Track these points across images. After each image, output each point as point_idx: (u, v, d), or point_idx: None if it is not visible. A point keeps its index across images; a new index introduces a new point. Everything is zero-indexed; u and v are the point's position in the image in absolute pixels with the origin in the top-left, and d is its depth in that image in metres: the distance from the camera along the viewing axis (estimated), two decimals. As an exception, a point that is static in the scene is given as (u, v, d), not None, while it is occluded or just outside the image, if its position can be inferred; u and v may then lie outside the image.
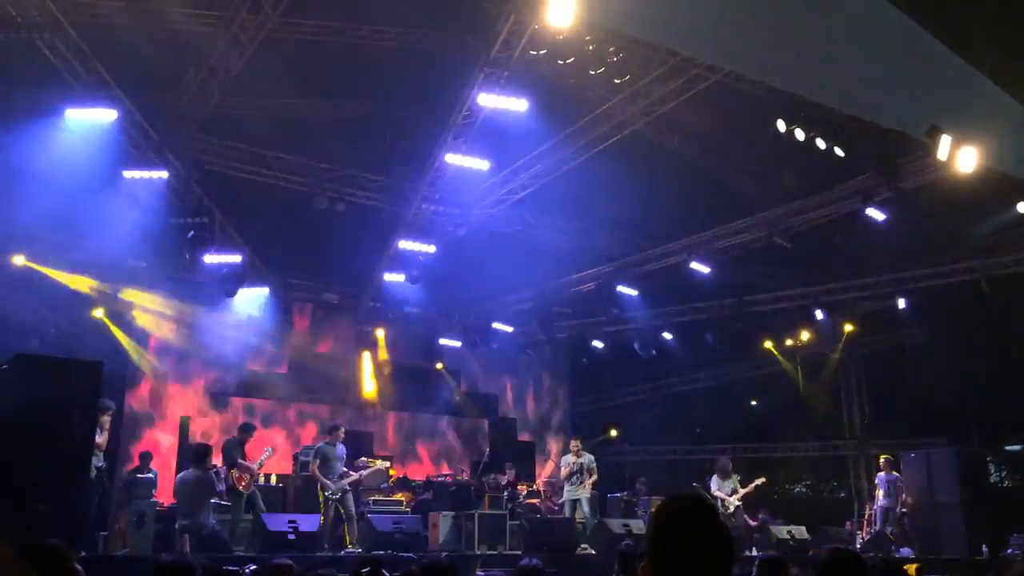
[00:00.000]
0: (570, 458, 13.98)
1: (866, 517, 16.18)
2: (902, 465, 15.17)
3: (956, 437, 17.16)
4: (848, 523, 17.20)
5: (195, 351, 16.47)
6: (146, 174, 11.98)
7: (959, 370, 17.39)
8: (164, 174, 12.12)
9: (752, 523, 14.72)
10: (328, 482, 11.58)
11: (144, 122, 11.68)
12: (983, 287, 14.44)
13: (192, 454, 13.81)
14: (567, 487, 13.89)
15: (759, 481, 14.19)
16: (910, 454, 15.38)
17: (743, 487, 14.05)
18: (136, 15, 11.06)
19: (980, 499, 14.37)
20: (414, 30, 12.81)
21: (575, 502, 13.71)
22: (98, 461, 10.74)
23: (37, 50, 9.96)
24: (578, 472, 13.76)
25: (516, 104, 11.33)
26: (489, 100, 11.23)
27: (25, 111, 11.67)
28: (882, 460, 15.47)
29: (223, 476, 11.18)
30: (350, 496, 11.90)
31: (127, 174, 11.88)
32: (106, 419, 11.38)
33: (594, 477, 13.84)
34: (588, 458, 13.95)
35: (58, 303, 14.32)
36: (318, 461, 11.83)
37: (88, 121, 10.98)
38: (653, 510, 3.10)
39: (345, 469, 12.24)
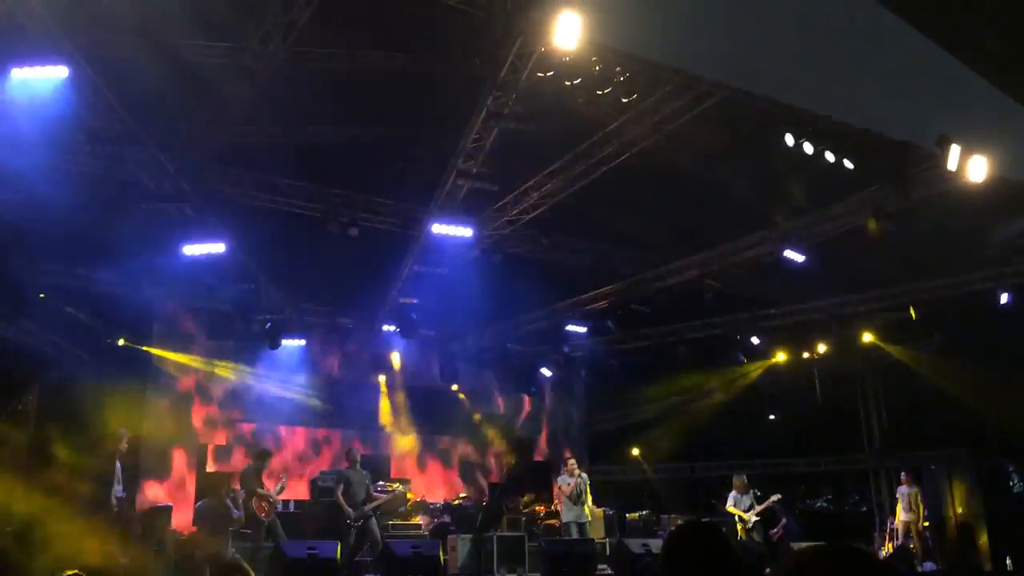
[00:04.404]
0: (568, 478, 13.90)
1: (888, 531, 16.04)
2: (923, 477, 15.05)
3: (976, 448, 16.99)
4: (877, 538, 17.03)
5: (210, 379, 16.59)
6: (162, 205, 12.11)
7: (978, 381, 17.24)
8: (180, 204, 12.24)
9: (773, 532, 14.52)
10: (349, 509, 11.58)
11: (159, 154, 11.81)
12: (999, 296, 14.36)
13: (208, 483, 13.91)
14: (572, 508, 13.72)
15: (775, 498, 14.12)
16: (930, 466, 15.26)
17: (760, 503, 13.97)
18: (148, 49, 11.21)
19: (1002, 510, 14.23)
20: (423, 55, 12.92)
21: (581, 525, 13.61)
22: (118, 491, 10.81)
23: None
24: (580, 492, 13.73)
25: (525, 125, 11.40)
26: (498, 122, 11.30)
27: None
28: (902, 474, 15.36)
29: (240, 503, 11.22)
30: (374, 522, 11.85)
31: (143, 205, 12.02)
32: (123, 446, 11.47)
33: (590, 496, 13.87)
34: (584, 476, 14.00)
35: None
36: (341, 487, 11.83)
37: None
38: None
39: (376, 494, 12.25)
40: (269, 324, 15.16)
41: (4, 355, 12.88)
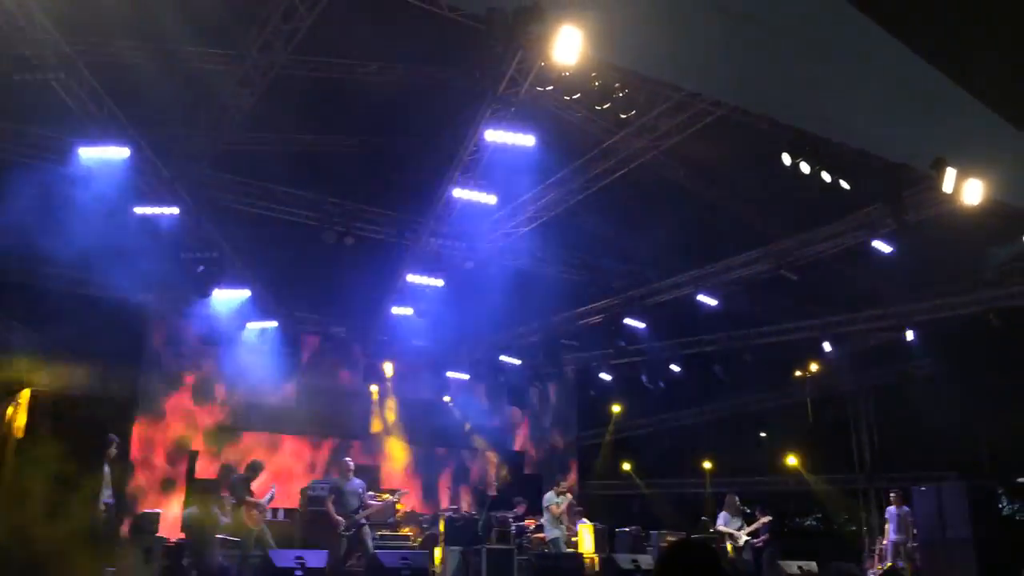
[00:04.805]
0: (554, 496, 14.05)
1: (877, 552, 16.02)
2: (912, 499, 15.04)
3: (967, 470, 17.00)
4: (868, 560, 17.00)
5: (203, 384, 16.53)
6: (158, 210, 12.10)
7: (969, 403, 17.27)
8: (175, 210, 12.23)
9: (757, 541, 14.38)
10: (339, 518, 11.50)
11: (156, 159, 11.80)
12: (992, 319, 14.40)
13: (196, 490, 13.84)
14: (558, 526, 13.86)
15: (766, 519, 14.07)
16: (920, 488, 15.25)
17: (750, 523, 13.96)
18: (148, 54, 11.23)
19: (992, 534, 14.20)
20: (422, 67, 12.96)
21: (567, 540, 13.83)
22: (106, 497, 10.72)
23: (51, 89, 10.10)
24: (566, 510, 14.00)
25: (523, 139, 11.43)
26: (496, 136, 11.33)
27: (39, 149, 11.84)
28: (892, 494, 15.35)
29: (228, 510, 11.15)
30: (366, 530, 11.78)
31: (139, 210, 12.00)
32: (112, 451, 11.39)
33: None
34: (570, 498, 14.28)
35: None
36: (332, 496, 11.77)
37: (101, 159, 11.11)
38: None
39: (369, 502, 12.20)
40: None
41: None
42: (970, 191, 9.67)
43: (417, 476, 18.97)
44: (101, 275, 14.61)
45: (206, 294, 13.64)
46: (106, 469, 11.07)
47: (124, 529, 12.79)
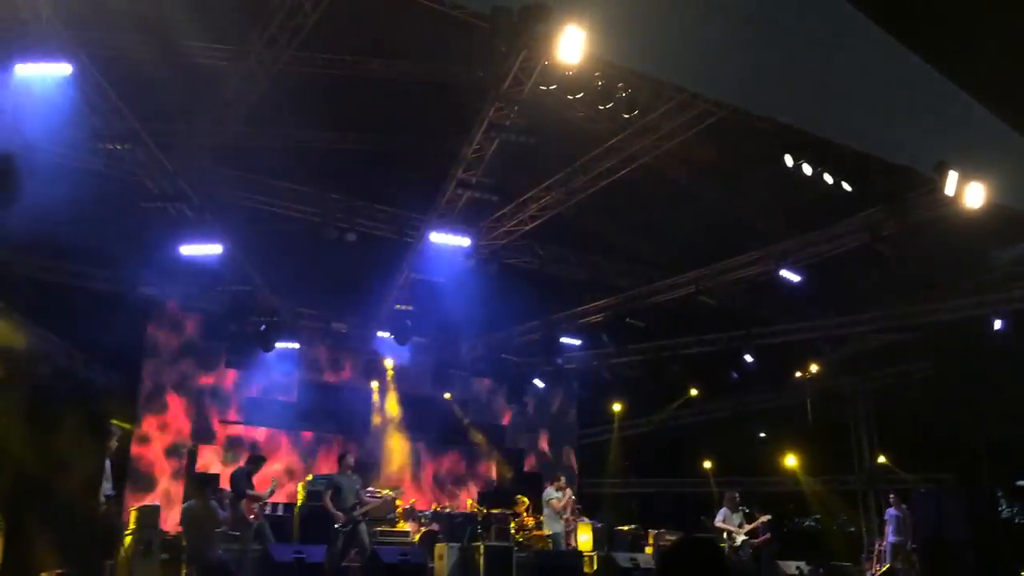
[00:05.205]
0: (555, 492, 14.15)
1: (876, 553, 16.05)
2: (911, 501, 15.07)
3: (966, 472, 17.05)
4: (867, 561, 17.02)
5: (203, 379, 16.57)
6: (161, 204, 12.11)
7: (969, 405, 17.30)
8: (178, 204, 12.24)
9: (756, 540, 14.36)
10: (339, 514, 11.51)
11: (160, 154, 11.83)
12: (992, 322, 14.41)
13: (195, 484, 13.88)
14: (558, 521, 14.07)
15: (765, 518, 14.08)
16: (919, 490, 15.28)
17: (750, 522, 13.97)
18: (153, 49, 11.25)
19: (990, 536, 14.24)
20: (425, 64, 12.98)
21: (568, 533, 13.97)
22: (107, 490, 10.76)
23: (55, 82, 10.11)
24: (567, 505, 14.18)
25: (526, 138, 11.45)
26: (499, 133, 11.35)
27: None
28: (891, 496, 15.38)
29: (227, 504, 11.18)
30: (363, 527, 11.78)
31: (142, 204, 12.02)
32: (113, 444, 11.43)
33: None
34: (570, 493, 14.51)
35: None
36: (330, 492, 11.77)
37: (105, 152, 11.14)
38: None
39: (366, 499, 12.23)
40: (263, 327, 15.14)
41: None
42: (972, 194, 9.71)
43: (417, 472, 19.00)
44: (104, 268, 14.70)
45: (208, 289, 13.70)
46: (107, 462, 11.11)
47: (124, 522, 12.82)
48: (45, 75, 9.46)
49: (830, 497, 21.43)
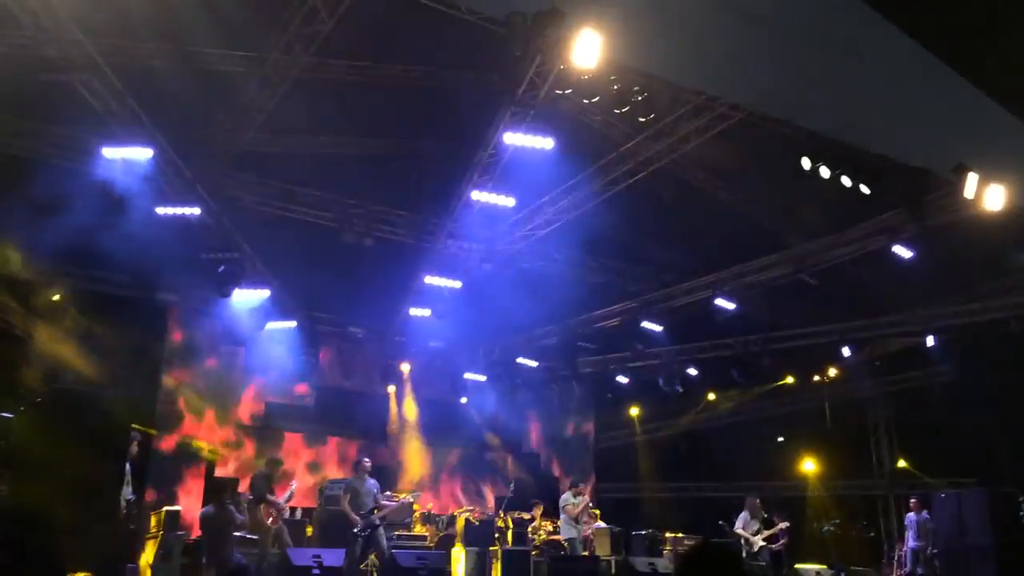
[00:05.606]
0: (571, 496, 14.15)
1: (896, 558, 15.92)
2: (932, 506, 14.92)
3: (987, 477, 16.86)
4: (887, 567, 16.88)
5: (222, 384, 16.66)
6: (179, 210, 12.21)
7: (990, 409, 17.12)
8: (197, 210, 12.34)
9: (775, 546, 14.24)
10: (356, 518, 11.52)
11: (178, 160, 11.91)
12: (1013, 325, 14.27)
13: (211, 488, 13.95)
14: (574, 527, 14.06)
15: (783, 525, 13.98)
16: (940, 495, 15.13)
17: (769, 528, 13.87)
18: (171, 56, 11.34)
19: (1012, 541, 14.07)
20: (442, 69, 13.01)
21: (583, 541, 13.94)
22: (127, 493, 10.85)
23: (75, 90, 10.22)
24: (582, 511, 14.24)
25: (542, 142, 11.46)
26: (515, 138, 11.37)
27: (62, 149, 11.99)
28: (912, 501, 15.25)
29: (244, 508, 11.22)
30: (380, 532, 11.78)
31: (161, 210, 12.11)
32: (133, 449, 11.53)
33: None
34: (587, 499, 14.66)
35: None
36: (348, 496, 11.79)
37: (124, 159, 11.22)
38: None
39: (384, 503, 12.24)
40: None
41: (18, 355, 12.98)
42: (992, 196, 9.61)
43: (434, 477, 19.02)
44: (124, 274, 14.80)
45: (226, 294, 13.74)
46: (127, 466, 11.20)
47: (145, 526, 12.90)
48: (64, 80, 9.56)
49: (850, 502, 21.28)
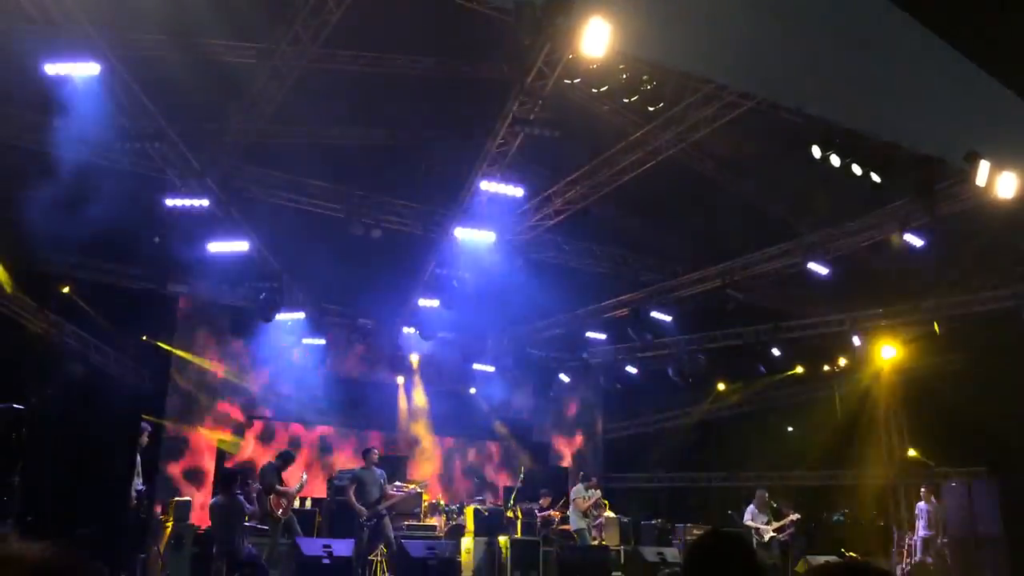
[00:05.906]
0: (582, 488, 14.19)
1: (906, 547, 15.89)
2: (942, 495, 14.88)
3: (998, 466, 16.79)
4: (897, 556, 16.83)
5: (231, 375, 16.72)
6: (188, 202, 12.22)
7: (1000, 398, 17.03)
8: (205, 202, 12.35)
9: (784, 536, 14.25)
10: (362, 508, 11.57)
11: (187, 151, 11.92)
12: (1024, 315, 14.19)
13: (220, 479, 14.03)
14: (583, 518, 14.16)
15: (794, 516, 13.97)
16: (951, 484, 15.09)
17: (778, 519, 13.86)
18: (180, 48, 11.34)
19: (1023, 530, 14.04)
20: (449, 60, 12.98)
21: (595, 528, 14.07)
22: (138, 484, 10.90)
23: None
24: (593, 504, 14.30)
25: (550, 131, 11.42)
26: (523, 128, 11.33)
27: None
28: (922, 489, 15.21)
29: (254, 499, 11.28)
30: (387, 522, 11.82)
31: (170, 202, 12.13)
32: (144, 440, 11.58)
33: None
34: (599, 493, 14.71)
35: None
36: (354, 486, 11.83)
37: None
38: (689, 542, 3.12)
39: (391, 492, 12.28)
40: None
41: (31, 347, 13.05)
42: (1004, 185, 9.53)
43: (443, 466, 19.07)
44: (134, 265, 14.85)
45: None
46: (138, 458, 11.25)
47: (155, 517, 12.98)
48: (73, 74, 9.56)
49: (859, 491, 21.23)
